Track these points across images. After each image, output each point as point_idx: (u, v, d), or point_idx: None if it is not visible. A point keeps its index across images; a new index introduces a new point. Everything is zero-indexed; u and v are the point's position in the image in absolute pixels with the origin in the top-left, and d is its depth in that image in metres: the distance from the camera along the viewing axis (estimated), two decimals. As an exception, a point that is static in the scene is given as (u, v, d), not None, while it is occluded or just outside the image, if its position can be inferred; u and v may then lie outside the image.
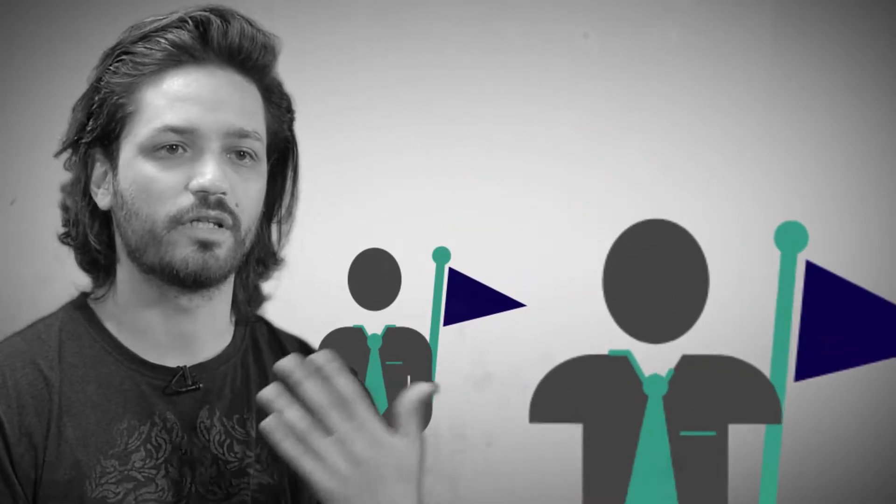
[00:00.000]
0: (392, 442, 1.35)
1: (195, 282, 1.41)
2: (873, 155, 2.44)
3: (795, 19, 2.44)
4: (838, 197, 2.45)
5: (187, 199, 1.40)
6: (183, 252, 1.40)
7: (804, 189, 2.45)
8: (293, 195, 1.53)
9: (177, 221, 1.40)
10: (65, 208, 1.50)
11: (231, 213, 1.41)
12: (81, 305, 1.50)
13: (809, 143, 2.45)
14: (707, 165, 2.45)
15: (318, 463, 1.29)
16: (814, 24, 2.44)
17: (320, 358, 1.31)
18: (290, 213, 1.54)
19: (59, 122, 1.52)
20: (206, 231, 1.40)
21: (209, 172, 1.39)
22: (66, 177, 1.50)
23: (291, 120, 1.51)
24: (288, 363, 1.31)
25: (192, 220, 1.39)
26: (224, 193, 1.40)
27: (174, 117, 1.40)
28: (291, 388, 1.30)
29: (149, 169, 1.40)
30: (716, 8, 2.44)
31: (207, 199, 1.39)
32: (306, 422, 1.30)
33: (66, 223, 1.50)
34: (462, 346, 2.46)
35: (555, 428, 2.47)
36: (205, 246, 1.40)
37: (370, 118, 2.46)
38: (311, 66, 2.47)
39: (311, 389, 1.30)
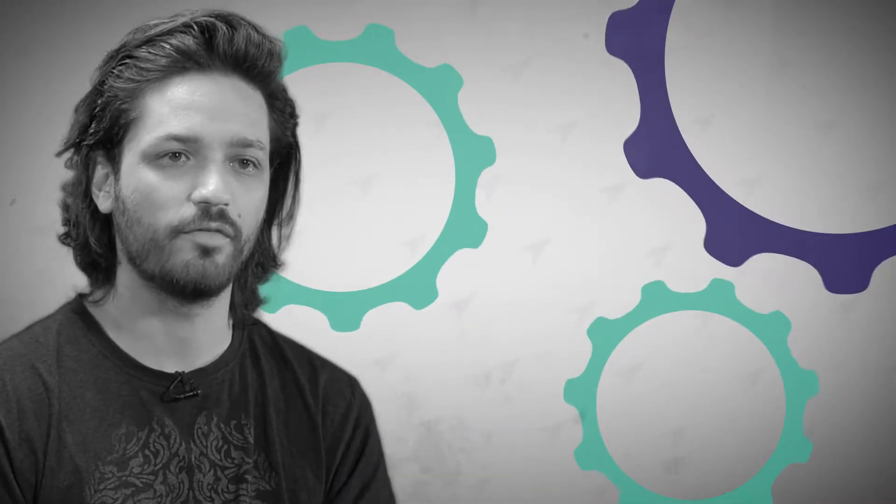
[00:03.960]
0: None
1: (194, 290, 1.42)
2: (874, 156, 2.44)
3: (795, 19, 2.43)
4: (839, 197, 2.44)
5: (189, 210, 1.40)
6: (184, 258, 1.40)
7: (806, 189, 2.45)
8: (294, 199, 1.54)
9: (178, 231, 1.40)
10: (65, 207, 1.49)
11: (232, 223, 1.41)
12: (78, 308, 1.50)
13: (809, 144, 2.45)
14: (707, 165, 2.45)
15: None
16: (814, 24, 2.44)
17: None
18: (290, 216, 1.54)
19: (59, 121, 1.52)
20: (206, 237, 1.40)
21: (212, 183, 1.39)
22: (67, 175, 1.50)
23: (295, 125, 1.51)
24: None
25: (193, 231, 1.40)
26: (226, 204, 1.40)
27: (178, 126, 1.40)
28: None
29: (151, 177, 1.41)
30: (716, 8, 2.43)
31: (209, 211, 1.40)
32: None
33: (65, 223, 1.50)
34: (462, 346, 2.47)
35: (555, 427, 2.47)
36: (205, 252, 1.40)
37: (368, 117, 2.46)
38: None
39: None
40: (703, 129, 2.46)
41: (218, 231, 1.40)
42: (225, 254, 1.42)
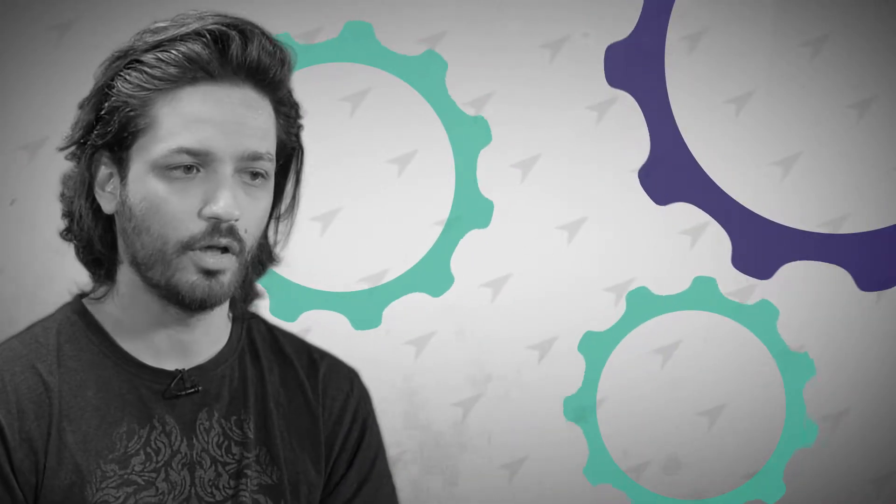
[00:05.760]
0: None
1: (200, 307, 1.42)
2: (877, 159, 2.44)
3: (795, 19, 2.44)
4: (853, 196, 2.45)
5: (199, 226, 1.40)
6: (190, 278, 1.41)
7: (822, 190, 2.45)
8: (294, 198, 1.54)
9: (188, 247, 1.40)
10: (67, 201, 1.49)
11: (240, 239, 1.41)
12: (78, 308, 1.50)
13: (811, 145, 2.45)
14: (708, 165, 2.45)
15: None
16: (814, 24, 2.44)
17: None
18: (289, 213, 1.54)
19: (59, 121, 1.52)
20: (212, 261, 1.40)
21: (222, 200, 1.39)
22: (67, 166, 1.50)
23: (299, 128, 1.50)
24: None
25: (202, 248, 1.40)
26: (236, 220, 1.40)
27: (190, 139, 1.39)
28: None
29: (161, 189, 1.40)
30: (716, 8, 2.44)
31: (219, 227, 1.40)
32: None
33: (66, 215, 1.49)
34: (462, 346, 2.47)
35: (555, 427, 2.47)
36: (209, 273, 1.41)
37: (367, 117, 2.46)
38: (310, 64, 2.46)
39: None
40: (712, 142, 2.46)
41: (226, 248, 1.40)
42: (230, 272, 1.42)
